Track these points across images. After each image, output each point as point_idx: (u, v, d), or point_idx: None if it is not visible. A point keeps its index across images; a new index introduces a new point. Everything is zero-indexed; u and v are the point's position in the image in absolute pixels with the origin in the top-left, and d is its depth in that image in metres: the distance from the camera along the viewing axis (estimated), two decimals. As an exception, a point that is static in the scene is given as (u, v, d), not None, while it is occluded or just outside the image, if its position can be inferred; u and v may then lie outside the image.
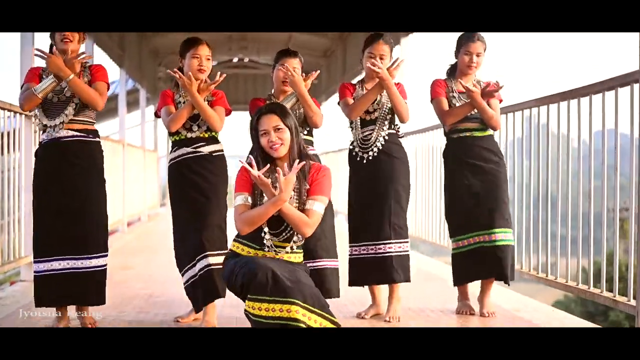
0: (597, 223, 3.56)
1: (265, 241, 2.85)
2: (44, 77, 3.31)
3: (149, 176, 11.06)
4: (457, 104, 3.70)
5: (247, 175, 2.84)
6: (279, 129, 2.85)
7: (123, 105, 9.17)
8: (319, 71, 3.69)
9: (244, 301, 2.72)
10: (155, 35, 10.53)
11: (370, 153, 3.63)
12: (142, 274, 5.15)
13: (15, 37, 5.06)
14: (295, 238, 2.89)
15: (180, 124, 3.40)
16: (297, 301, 2.65)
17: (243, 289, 2.71)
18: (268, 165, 2.84)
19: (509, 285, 3.76)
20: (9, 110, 4.33)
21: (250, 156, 2.89)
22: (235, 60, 13.63)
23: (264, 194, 2.82)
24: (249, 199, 2.84)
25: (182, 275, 3.47)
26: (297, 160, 2.83)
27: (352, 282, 3.70)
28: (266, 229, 2.84)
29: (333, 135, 11.41)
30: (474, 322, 3.56)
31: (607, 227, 3.52)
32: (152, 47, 11.37)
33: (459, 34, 3.77)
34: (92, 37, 6.87)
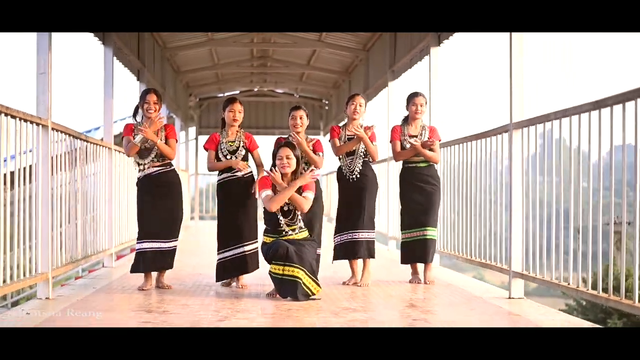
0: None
1: (280, 223, 4.65)
2: (135, 131, 5.11)
3: (183, 193, 12.85)
4: (408, 146, 5.41)
5: (268, 179, 4.67)
6: (289, 157, 4.66)
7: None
8: (315, 138, 5.32)
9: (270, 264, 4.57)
10: (187, 71, 12.45)
11: (355, 174, 5.34)
12: (188, 263, 6.92)
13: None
14: (300, 224, 4.71)
15: (219, 169, 5.22)
16: (299, 266, 4.49)
17: (270, 257, 4.56)
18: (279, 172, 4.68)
19: (429, 263, 5.39)
20: (87, 141, 6.16)
21: (267, 169, 4.75)
22: (256, 89, 15.62)
23: (277, 189, 4.63)
24: (270, 192, 4.65)
25: (218, 254, 5.22)
26: (310, 169, 4.78)
27: (335, 258, 5.43)
28: (280, 216, 4.65)
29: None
30: (420, 289, 5.26)
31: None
32: (185, 82, 13.29)
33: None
34: (143, 82, 8.71)
